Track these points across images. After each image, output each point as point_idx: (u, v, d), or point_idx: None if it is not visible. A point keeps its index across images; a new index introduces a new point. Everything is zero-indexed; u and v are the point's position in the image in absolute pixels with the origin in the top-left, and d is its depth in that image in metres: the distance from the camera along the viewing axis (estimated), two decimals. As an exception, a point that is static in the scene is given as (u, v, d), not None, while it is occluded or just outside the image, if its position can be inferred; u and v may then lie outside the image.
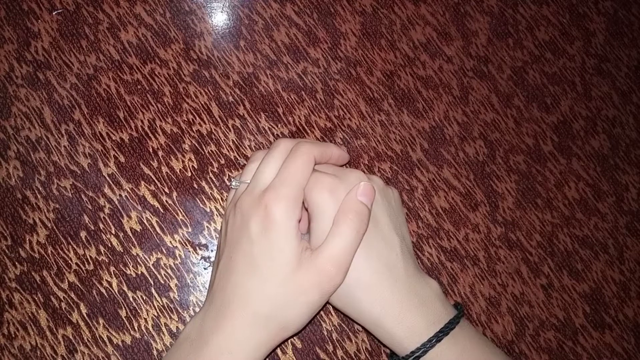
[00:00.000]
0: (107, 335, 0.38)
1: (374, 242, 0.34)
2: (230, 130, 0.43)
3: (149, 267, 0.40)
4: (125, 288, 0.39)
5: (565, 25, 0.49)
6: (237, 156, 0.42)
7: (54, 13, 0.43)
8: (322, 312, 0.40)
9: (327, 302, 0.35)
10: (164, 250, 0.40)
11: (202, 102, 0.43)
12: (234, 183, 0.37)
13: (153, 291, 0.39)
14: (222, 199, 0.42)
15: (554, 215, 0.45)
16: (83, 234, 0.40)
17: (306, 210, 0.35)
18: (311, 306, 0.32)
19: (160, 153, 0.42)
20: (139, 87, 0.42)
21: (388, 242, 0.34)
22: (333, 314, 0.40)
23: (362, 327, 0.40)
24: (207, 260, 0.40)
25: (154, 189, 0.41)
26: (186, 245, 0.40)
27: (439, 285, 0.35)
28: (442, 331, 0.33)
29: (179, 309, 0.39)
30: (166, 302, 0.39)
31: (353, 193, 0.33)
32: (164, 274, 0.40)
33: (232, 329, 0.31)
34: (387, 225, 0.35)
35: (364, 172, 0.38)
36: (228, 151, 0.42)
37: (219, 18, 0.44)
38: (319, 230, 0.33)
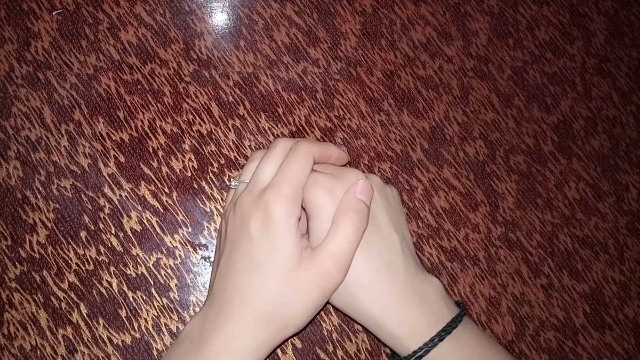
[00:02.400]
0: (107, 335, 0.38)
1: (374, 241, 0.34)
2: (230, 130, 0.43)
3: (149, 267, 0.40)
4: (125, 288, 0.39)
5: (565, 25, 0.49)
6: (237, 156, 0.42)
7: (54, 13, 0.43)
8: (322, 312, 0.40)
9: (328, 303, 0.35)
10: (164, 250, 0.40)
11: (202, 102, 0.43)
12: (233, 183, 0.37)
13: (153, 291, 0.39)
14: (222, 199, 0.42)
15: (554, 215, 0.45)
16: (83, 234, 0.40)
17: (304, 210, 0.35)
18: (312, 305, 0.32)
19: (160, 153, 0.42)
20: (139, 87, 0.42)
21: (388, 241, 0.34)
22: (333, 314, 0.40)
23: (362, 327, 0.40)
24: (207, 260, 0.40)
25: (154, 189, 0.41)
26: (186, 245, 0.40)
27: (441, 283, 0.35)
28: (444, 330, 0.33)
29: (179, 309, 0.39)
30: (166, 302, 0.39)
31: (352, 191, 0.33)
32: (164, 274, 0.40)
33: (232, 328, 0.31)
34: (387, 223, 0.35)
35: (363, 172, 0.38)
36: (228, 151, 0.42)
37: (219, 18, 0.44)
38: (317, 230, 0.33)
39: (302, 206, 0.34)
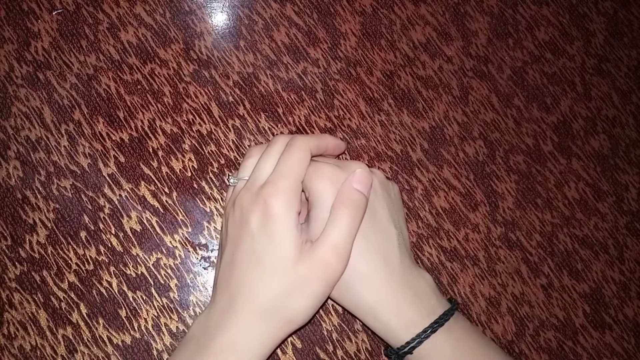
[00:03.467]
0: (107, 335, 0.38)
1: (372, 233, 0.34)
2: (230, 130, 0.43)
3: (149, 267, 0.40)
4: (125, 288, 0.39)
5: (565, 25, 0.49)
6: (237, 156, 0.42)
7: (54, 13, 0.43)
8: (322, 312, 0.40)
9: (328, 298, 0.35)
10: (164, 250, 0.40)
11: (202, 102, 0.43)
12: (231, 180, 0.37)
13: (153, 291, 0.39)
14: (222, 198, 0.42)
15: (554, 215, 0.45)
16: (83, 234, 0.40)
17: (306, 200, 0.35)
18: (315, 297, 0.33)
19: (160, 153, 0.42)
20: (139, 87, 0.42)
21: (385, 234, 0.35)
22: (333, 314, 0.40)
23: (362, 327, 0.40)
24: (207, 260, 0.40)
25: (154, 189, 0.41)
26: (186, 245, 0.40)
27: (432, 278, 0.36)
28: (437, 322, 0.33)
29: (179, 309, 0.39)
30: (166, 302, 0.39)
31: (349, 181, 0.34)
32: (164, 274, 0.40)
33: (237, 325, 0.31)
34: (385, 216, 0.35)
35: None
36: (228, 151, 0.42)
37: (219, 18, 0.44)
38: (317, 219, 0.34)
39: (304, 195, 0.35)
